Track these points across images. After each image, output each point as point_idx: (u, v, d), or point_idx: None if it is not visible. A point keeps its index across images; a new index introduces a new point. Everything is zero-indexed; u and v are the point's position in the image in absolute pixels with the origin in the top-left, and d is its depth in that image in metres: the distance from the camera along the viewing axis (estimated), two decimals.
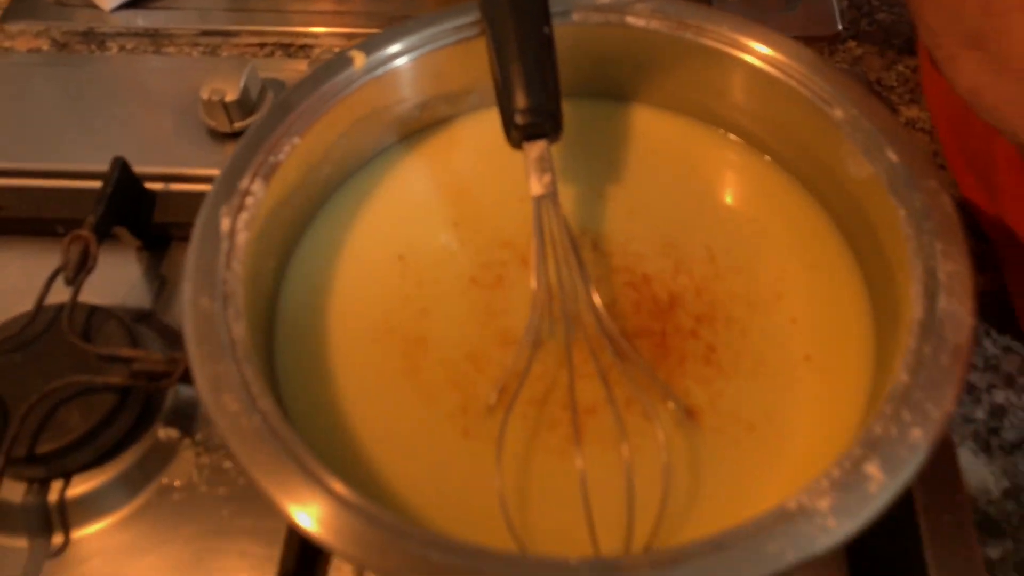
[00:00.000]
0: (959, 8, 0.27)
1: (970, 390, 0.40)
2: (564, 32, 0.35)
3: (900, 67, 0.53)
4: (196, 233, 0.30)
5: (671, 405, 0.30)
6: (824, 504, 0.23)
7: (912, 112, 0.51)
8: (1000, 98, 0.27)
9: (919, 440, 0.24)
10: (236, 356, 0.27)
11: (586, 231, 0.35)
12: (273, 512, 0.36)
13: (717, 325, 0.32)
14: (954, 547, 0.35)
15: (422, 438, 0.30)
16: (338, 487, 0.25)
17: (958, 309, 0.26)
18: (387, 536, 0.24)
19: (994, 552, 0.36)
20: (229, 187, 0.31)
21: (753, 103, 0.34)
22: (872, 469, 0.24)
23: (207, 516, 0.38)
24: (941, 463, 0.37)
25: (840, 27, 0.54)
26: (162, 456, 0.39)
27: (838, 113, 0.31)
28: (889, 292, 0.29)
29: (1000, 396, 0.40)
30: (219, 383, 0.26)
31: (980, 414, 0.40)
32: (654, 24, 0.34)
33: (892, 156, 0.30)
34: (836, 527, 0.23)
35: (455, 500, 0.29)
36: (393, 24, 0.35)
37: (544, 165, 0.31)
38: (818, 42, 0.54)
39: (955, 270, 0.27)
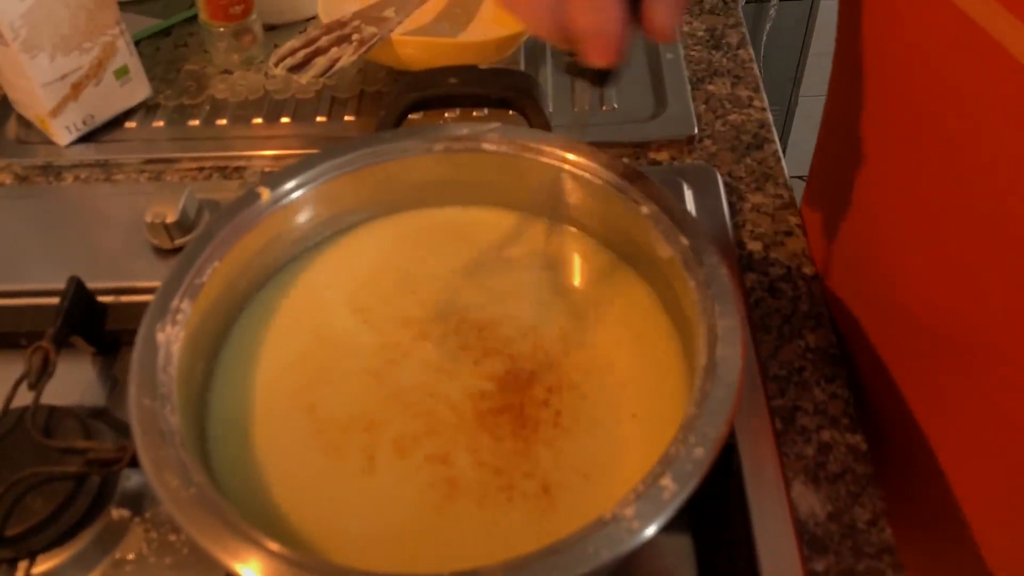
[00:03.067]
0: None
1: (802, 431, 0.48)
2: (435, 159, 0.43)
3: (748, 160, 0.62)
4: (137, 346, 0.37)
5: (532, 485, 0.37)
6: (630, 512, 0.30)
7: (757, 198, 0.60)
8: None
9: (701, 456, 0.32)
10: (174, 443, 0.34)
11: (466, 319, 0.42)
12: (212, 574, 0.43)
13: (563, 393, 0.39)
14: (782, 562, 0.42)
15: (328, 490, 0.37)
16: (261, 539, 0.31)
17: (731, 355, 0.34)
18: (303, 574, 0.30)
19: (819, 566, 0.43)
20: (163, 307, 0.38)
21: (585, 204, 0.43)
22: (666, 482, 0.31)
23: None
24: (772, 494, 0.45)
25: (696, 130, 0.64)
26: (116, 534, 0.45)
27: (645, 209, 0.40)
28: (691, 348, 0.37)
29: (826, 435, 0.48)
30: (161, 465, 0.33)
31: (810, 451, 0.47)
32: (503, 148, 0.43)
33: (684, 240, 0.38)
34: (639, 528, 0.30)
35: (356, 539, 0.35)
36: (322, 144, 0.43)
37: None
38: (678, 143, 0.63)
39: (730, 325, 0.35)
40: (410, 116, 0.53)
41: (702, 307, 0.36)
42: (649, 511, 0.31)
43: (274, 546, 0.30)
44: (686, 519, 0.45)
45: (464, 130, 0.44)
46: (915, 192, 0.40)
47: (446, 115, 0.63)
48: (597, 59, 0.34)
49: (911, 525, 0.44)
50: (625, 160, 0.41)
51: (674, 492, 0.31)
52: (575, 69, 0.36)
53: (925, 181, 0.39)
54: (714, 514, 0.45)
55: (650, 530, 0.30)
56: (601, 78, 0.36)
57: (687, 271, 0.37)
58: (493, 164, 0.43)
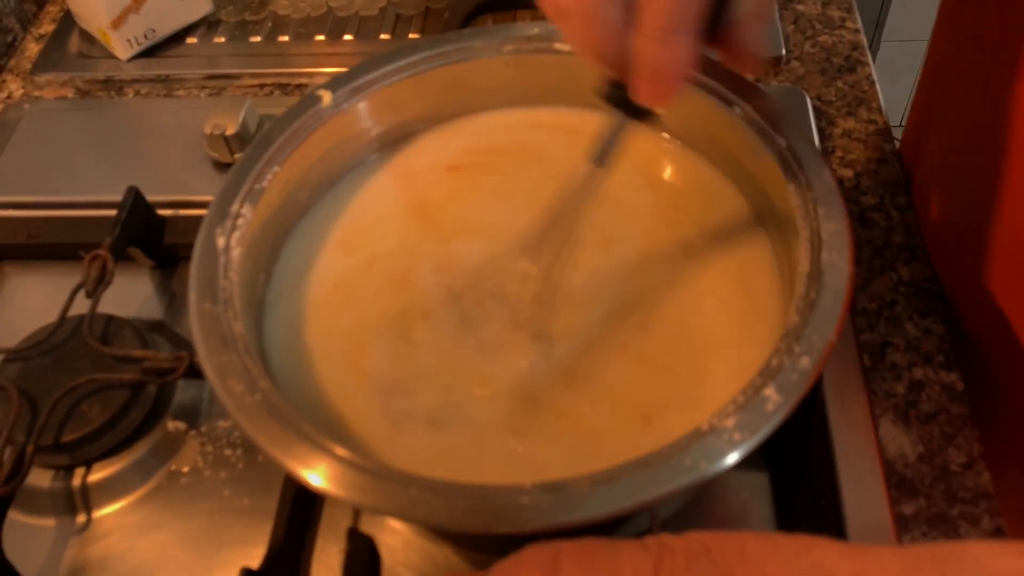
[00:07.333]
0: None
1: (892, 368, 0.45)
2: (505, 60, 0.41)
3: (839, 83, 0.58)
4: (197, 249, 0.35)
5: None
6: (730, 423, 0.28)
7: (848, 124, 0.55)
8: None
9: (807, 366, 0.29)
10: (237, 349, 0.32)
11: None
12: (266, 491, 0.42)
13: (652, 298, 0.37)
14: (868, 503, 0.39)
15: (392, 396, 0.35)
16: (329, 444, 0.29)
17: (838, 260, 0.31)
18: (373, 480, 0.28)
19: (908, 509, 0.40)
20: (222, 211, 0.36)
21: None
22: (769, 392, 0.28)
23: (210, 497, 0.43)
24: (858, 431, 0.42)
25: (783, 51, 0.59)
26: (171, 445, 0.44)
27: (736, 109, 0.36)
28: (789, 255, 0.34)
29: (919, 372, 0.44)
30: (224, 371, 0.31)
31: (900, 389, 0.44)
32: None
33: (780, 140, 0.35)
34: (740, 440, 0.27)
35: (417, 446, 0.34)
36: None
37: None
38: (764, 64, 0.59)
39: (835, 229, 0.32)
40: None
41: (803, 211, 0.32)
42: (751, 423, 0.28)
43: (342, 452, 0.29)
44: (764, 455, 0.43)
45: (535, 29, 0.41)
46: None
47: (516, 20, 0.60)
48: (649, 100, 0.30)
49: (1012, 471, 0.41)
50: (711, 56, 0.38)
51: (778, 403, 0.28)
52: (616, 98, 0.31)
53: None
54: (794, 451, 0.42)
55: (753, 443, 0.28)
56: (644, 114, 0.31)
57: (785, 173, 0.34)
58: (568, 66, 0.40)
